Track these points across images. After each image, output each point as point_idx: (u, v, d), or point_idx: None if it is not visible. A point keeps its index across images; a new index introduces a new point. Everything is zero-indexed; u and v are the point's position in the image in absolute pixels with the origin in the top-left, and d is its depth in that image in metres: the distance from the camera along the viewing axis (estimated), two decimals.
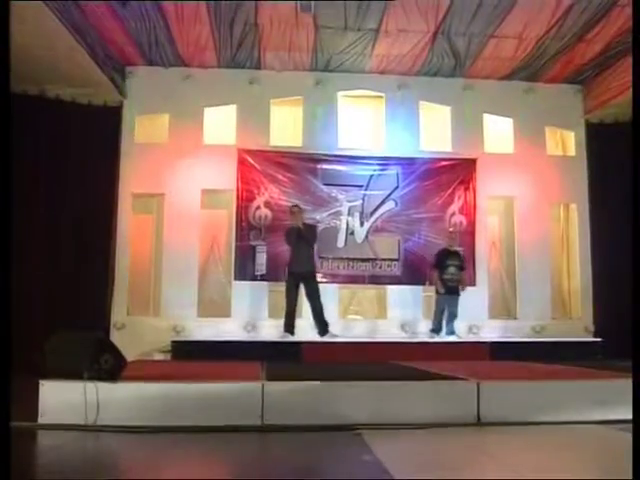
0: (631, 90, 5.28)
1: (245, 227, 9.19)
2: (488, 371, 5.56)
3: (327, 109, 9.54)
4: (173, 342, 7.56)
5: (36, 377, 3.93)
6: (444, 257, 8.59)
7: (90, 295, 8.45)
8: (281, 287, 8.93)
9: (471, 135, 9.70)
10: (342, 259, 9.26)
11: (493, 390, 4.16)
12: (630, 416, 3.14)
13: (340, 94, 9.66)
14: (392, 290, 9.38)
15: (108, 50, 8.49)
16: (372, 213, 9.41)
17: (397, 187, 9.46)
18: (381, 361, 6.39)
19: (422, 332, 8.98)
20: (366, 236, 9.39)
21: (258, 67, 9.35)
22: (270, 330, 8.63)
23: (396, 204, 9.46)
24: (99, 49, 8.11)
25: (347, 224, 9.38)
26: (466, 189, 9.57)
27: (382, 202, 9.42)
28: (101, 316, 8.54)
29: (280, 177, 9.33)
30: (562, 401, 4.17)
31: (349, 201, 9.40)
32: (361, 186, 9.44)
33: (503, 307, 9.73)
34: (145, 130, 9.35)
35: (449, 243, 8.78)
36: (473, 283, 9.11)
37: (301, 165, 9.39)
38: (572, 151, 9.98)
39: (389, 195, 9.44)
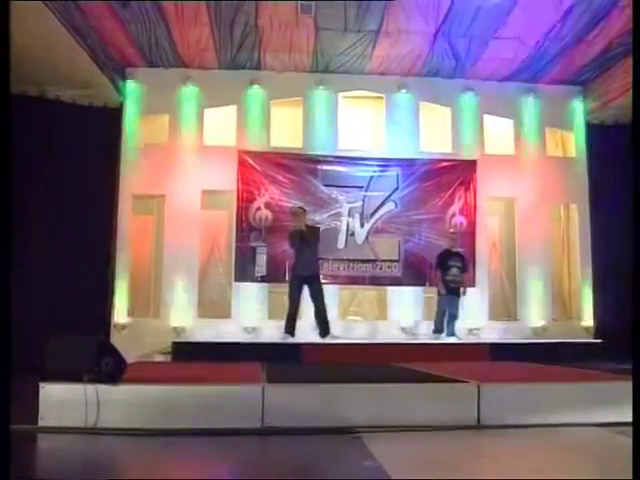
0: (631, 91, 5.27)
1: (245, 228, 9.20)
2: (488, 372, 5.55)
3: (327, 110, 9.54)
4: (174, 343, 7.54)
5: (36, 379, 3.93)
6: (446, 258, 8.58)
7: (90, 296, 8.44)
8: (281, 288, 8.94)
9: (471, 136, 9.72)
10: (342, 260, 9.26)
11: (494, 392, 4.15)
12: (630, 418, 3.15)
13: (340, 95, 9.66)
14: (392, 291, 9.39)
15: (108, 51, 8.50)
16: (372, 214, 9.41)
17: (397, 188, 9.47)
18: (381, 363, 6.37)
19: (422, 333, 9.00)
20: (366, 237, 9.40)
21: (258, 68, 9.36)
22: (270, 331, 8.63)
23: (396, 205, 9.46)
24: (99, 50, 8.11)
25: (347, 225, 9.39)
26: (466, 190, 9.58)
27: (382, 203, 9.43)
28: (102, 317, 8.55)
29: (280, 178, 9.33)
30: (562, 403, 4.17)
31: (349, 202, 9.41)
32: (361, 187, 9.45)
33: (503, 308, 9.73)
34: (145, 131, 9.37)
35: (450, 244, 8.77)
36: (473, 284, 9.10)
37: (301, 166, 9.40)
38: (572, 152, 10.00)
39: (389, 196, 9.44)
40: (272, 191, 9.30)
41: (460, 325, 8.56)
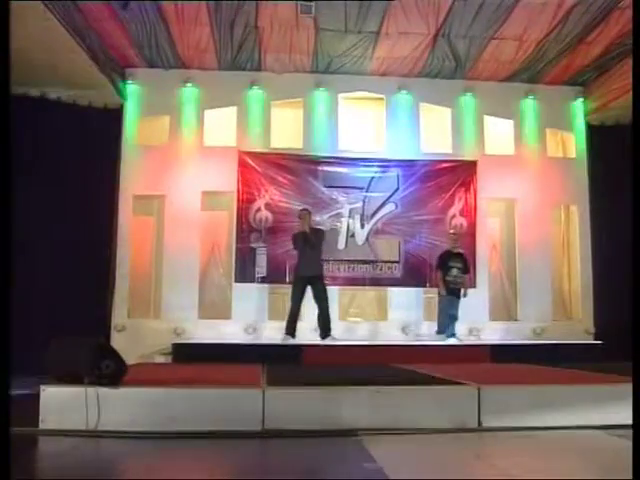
0: (631, 92, 5.26)
1: (245, 229, 9.20)
2: (488, 374, 5.56)
3: (328, 111, 9.54)
4: (174, 345, 7.55)
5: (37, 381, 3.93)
6: (447, 259, 8.58)
7: (91, 297, 8.44)
8: (281, 289, 8.96)
9: (472, 137, 9.72)
10: (343, 261, 9.26)
11: (494, 394, 4.15)
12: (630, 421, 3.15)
13: (341, 96, 9.66)
14: (392, 292, 9.39)
15: (108, 52, 8.49)
16: (373, 215, 9.42)
17: (397, 189, 9.47)
18: (381, 364, 6.38)
19: (423, 334, 9.01)
20: (367, 238, 9.40)
21: (258, 69, 9.36)
22: (270, 332, 8.65)
23: (396, 206, 9.46)
24: (99, 51, 8.11)
25: (348, 226, 9.39)
26: (467, 191, 9.58)
27: (383, 204, 9.43)
28: (102, 318, 8.55)
29: (281, 179, 9.33)
30: (562, 405, 4.17)
31: (350, 203, 9.41)
32: (362, 188, 9.45)
33: (504, 309, 9.73)
34: (146, 132, 9.36)
35: (451, 245, 8.77)
36: (474, 285, 9.10)
37: (302, 167, 9.40)
38: (573, 153, 9.99)
39: (390, 197, 9.44)
40: (272, 192, 9.29)
41: (460, 326, 8.56)
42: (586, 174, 9.71)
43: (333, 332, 7.98)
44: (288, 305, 8.16)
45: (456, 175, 9.57)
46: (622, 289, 7.86)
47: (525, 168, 9.69)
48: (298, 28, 8.18)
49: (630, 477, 2.58)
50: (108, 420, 3.76)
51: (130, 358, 5.34)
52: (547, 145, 9.95)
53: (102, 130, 8.84)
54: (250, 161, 9.28)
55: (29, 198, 7.93)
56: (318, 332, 8.01)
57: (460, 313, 8.49)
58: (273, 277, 9.07)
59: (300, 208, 8.83)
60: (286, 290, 8.70)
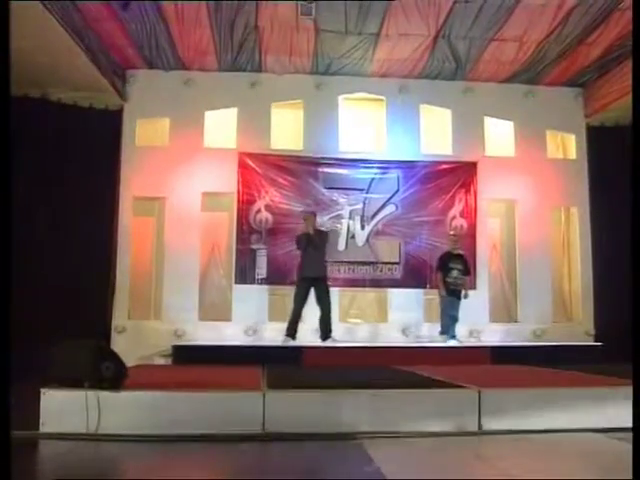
0: (631, 93, 5.26)
1: (246, 230, 9.19)
2: (489, 376, 5.56)
3: (328, 112, 9.54)
4: (174, 347, 7.55)
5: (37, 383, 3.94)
6: (447, 260, 8.58)
7: (91, 298, 8.45)
8: (282, 290, 8.96)
9: (472, 138, 9.70)
10: (343, 262, 9.25)
11: (494, 397, 4.15)
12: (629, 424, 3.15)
13: (341, 97, 9.65)
14: (393, 293, 9.38)
15: (109, 54, 8.50)
16: (373, 216, 9.41)
17: (398, 190, 9.46)
18: (382, 366, 6.38)
19: (423, 335, 9.01)
20: (367, 239, 9.39)
21: (259, 70, 9.35)
22: (271, 334, 8.65)
23: (397, 208, 9.46)
24: (100, 53, 8.11)
25: (348, 227, 9.38)
26: (467, 192, 9.57)
27: (383, 205, 9.42)
28: (102, 319, 8.55)
29: (281, 180, 9.33)
30: (562, 408, 4.17)
31: (350, 204, 9.40)
32: (362, 189, 9.44)
33: (504, 310, 9.72)
34: (146, 133, 9.36)
35: (452, 246, 8.77)
36: (474, 286, 9.10)
37: (302, 168, 9.40)
38: (573, 154, 9.98)
39: (390, 198, 9.44)
40: (272, 193, 9.29)
41: (461, 327, 8.56)
42: (586, 175, 9.70)
43: (333, 334, 7.98)
44: (289, 306, 8.16)
45: (456, 176, 9.57)
46: (622, 291, 7.88)
47: (525, 169, 9.68)
48: (298, 29, 8.18)
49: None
50: (108, 423, 3.76)
51: (130, 360, 5.35)
52: (547, 146, 9.94)
53: (103, 131, 8.85)
54: (250, 162, 9.28)
55: (29, 199, 7.96)
56: (319, 333, 8.01)
57: (460, 314, 8.50)
58: (273, 278, 9.07)
59: (300, 209, 8.87)
60: (286, 291, 8.71)
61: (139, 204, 9.26)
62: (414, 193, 9.48)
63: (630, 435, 3.07)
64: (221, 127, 9.55)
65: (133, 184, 9.07)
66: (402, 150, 9.57)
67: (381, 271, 9.35)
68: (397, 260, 9.39)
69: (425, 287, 9.30)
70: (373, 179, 9.46)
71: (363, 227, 9.39)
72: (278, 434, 3.81)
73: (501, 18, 7.84)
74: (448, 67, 9.21)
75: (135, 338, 8.48)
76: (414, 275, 9.35)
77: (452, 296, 8.49)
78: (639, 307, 4.31)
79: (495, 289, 9.71)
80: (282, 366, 6.27)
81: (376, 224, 9.41)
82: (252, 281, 9.08)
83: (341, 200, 9.39)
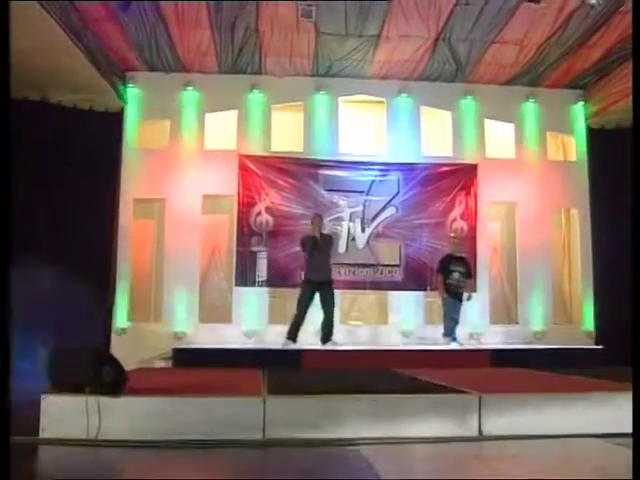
0: (632, 96, 5.26)
1: (246, 233, 9.18)
2: (489, 380, 5.55)
3: (328, 114, 9.53)
4: (174, 350, 7.54)
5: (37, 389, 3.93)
6: (448, 263, 8.57)
7: (91, 300, 8.43)
8: (282, 293, 8.96)
9: (472, 140, 9.70)
10: (343, 265, 9.22)
11: (495, 403, 4.15)
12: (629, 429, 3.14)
13: (341, 99, 9.64)
14: (393, 296, 9.38)
15: (109, 56, 8.48)
16: (373, 219, 9.40)
17: (398, 193, 9.45)
18: (382, 369, 6.38)
19: (423, 338, 8.99)
20: (367, 242, 9.38)
21: (259, 73, 9.34)
22: (271, 336, 8.64)
23: (397, 210, 9.45)
24: (100, 55, 8.10)
25: (348, 230, 9.37)
26: (467, 194, 9.56)
27: (383, 208, 9.41)
28: (102, 322, 8.54)
29: (281, 183, 9.32)
30: (562, 413, 4.17)
31: (350, 207, 9.39)
32: (362, 192, 9.43)
33: (504, 312, 9.72)
34: (146, 135, 9.35)
35: (453, 249, 8.76)
36: (474, 289, 9.08)
37: (302, 171, 9.38)
38: (573, 156, 9.97)
39: (390, 201, 9.43)
40: (273, 196, 9.28)
41: (461, 330, 8.55)
42: (587, 177, 9.69)
43: (334, 336, 7.97)
44: (289, 309, 8.16)
45: (457, 178, 9.56)
46: (623, 292, 7.86)
47: (526, 171, 9.68)
48: (299, 31, 8.17)
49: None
50: (109, 429, 3.76)
51: (130, 363, 5.35)
52: (548, 148, 9.93)
53: (103, 133, 8.82)
54: (251, 164, 9.28)
55: (29, 201, 7.95)
56: (319, 336, 7.99)
57: (461, 317, 8.48)
58: (274, 281, 9.06)
59: (300, 212, 8.85)
60: (287, 294, 8.71)
61: (139, 206, 9.25)
62: (414, 195, 9.47)
63: (627, 440, 3.08)
64: (221, 129, 9.54)
65: (133, 186, 9.06)
66: (402, 152, 9.56)
67: (381, 273, 9.34)
68: (397, 262, 9.38)
69: (425, 289, 9.30)
70: (373, 181, 9.45)
71: (363, 229, 9.38)
72: (278, 440, 3.81)
73: (502, 20, 7.84)
74: (448, 69, 9.20)
75: (135, 340, 8.46)
76: (414, 277, 9.34)
77: (453, 298, 8.47)
78: (639, 309, 4.31)
79: (495, 291, 9.70)
80: (282, 369, 6.26)
81: (376, 226, 9.40)
82: (252, 283, 9.07)
83: (341, 202, 9.39)
